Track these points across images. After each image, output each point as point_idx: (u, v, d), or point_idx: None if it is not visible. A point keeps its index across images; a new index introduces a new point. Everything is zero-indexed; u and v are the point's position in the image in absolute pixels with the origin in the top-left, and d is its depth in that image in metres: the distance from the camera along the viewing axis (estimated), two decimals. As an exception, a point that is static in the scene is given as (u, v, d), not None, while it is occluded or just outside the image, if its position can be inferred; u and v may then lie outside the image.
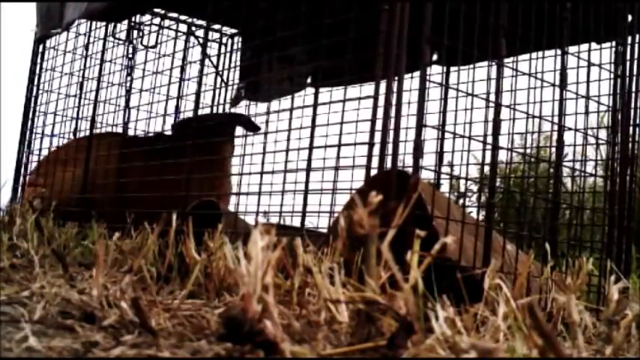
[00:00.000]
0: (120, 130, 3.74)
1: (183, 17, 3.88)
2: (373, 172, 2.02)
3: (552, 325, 1.66)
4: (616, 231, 2.32)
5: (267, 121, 3.50)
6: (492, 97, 2.07)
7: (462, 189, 4.60)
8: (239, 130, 3.57)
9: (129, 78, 3.63)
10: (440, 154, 3.26)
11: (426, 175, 3.27)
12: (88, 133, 3.67)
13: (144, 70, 3.59)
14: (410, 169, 1.92)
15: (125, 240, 2.25)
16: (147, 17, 3.71)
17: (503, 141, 2.23)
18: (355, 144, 2.51)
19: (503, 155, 2.91)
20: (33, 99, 4.01)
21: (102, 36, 3.69)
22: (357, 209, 1.02)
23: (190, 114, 3.62)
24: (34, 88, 4.02)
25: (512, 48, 2.29)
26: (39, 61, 4.02)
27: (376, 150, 1.99)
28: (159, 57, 3.58)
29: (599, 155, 3.01)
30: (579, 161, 2.72)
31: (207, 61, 3.63)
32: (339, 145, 2.41)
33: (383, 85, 1.93)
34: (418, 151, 1.90)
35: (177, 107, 3.87)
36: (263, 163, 2.87)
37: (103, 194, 3.46)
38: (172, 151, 3.12)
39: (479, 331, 1.39)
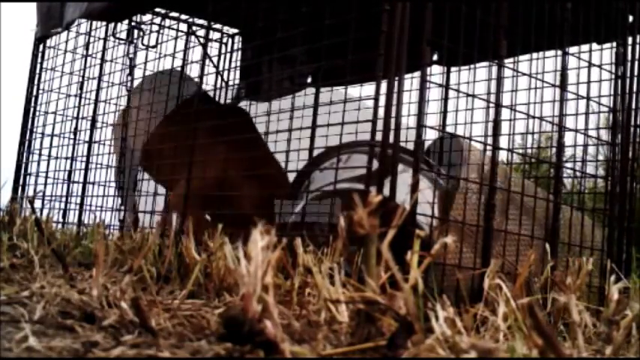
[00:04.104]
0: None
1: (183, 17, 3.88)
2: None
3: (552, 325, 1.66)
4: (616, 231, 2.32)
5: (267, 122, 3.51)
6: (492, 98, 2.07)
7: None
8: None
9: (129, 78, 3.63)
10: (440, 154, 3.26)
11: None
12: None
13: (144, 69, 3.60)
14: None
15: (125, 240, 2.26)
16: (147, 17, 3.71)
17: (503, 141, 2.23)
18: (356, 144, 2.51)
19: (503, 156, 2.91)
20: (33, 99, 4.01)
21: (102, 35, 3.69)
22: (357, 209, 1.02)
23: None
24: (34, 88, 4.02)
25: (513, 48, 2.29)
26: (39, 60, 4.01)
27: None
28: (159, 57, 3.58)
29: (600, 156, 3.01)
30: (580, 162, 2.72)
31: (207, 61, 3.63)
32: (340, 146, 2.42)
33: (383, 85, 1.93)
34: (419, 152, 1.90)
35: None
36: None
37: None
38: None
39: (479, 331, 1.39)
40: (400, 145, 1.94)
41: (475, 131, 2.57)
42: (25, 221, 2.40)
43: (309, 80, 3.95)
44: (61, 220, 3.61)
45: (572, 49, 2.54)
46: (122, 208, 3.43)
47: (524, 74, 2.51)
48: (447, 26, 1.90)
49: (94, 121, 3.67)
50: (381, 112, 1.94)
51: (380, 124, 1.94)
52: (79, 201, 3.60)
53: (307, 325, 1.26)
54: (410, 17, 1.93)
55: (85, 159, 3.65)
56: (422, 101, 1.92)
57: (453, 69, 3.53)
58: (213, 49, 4.10)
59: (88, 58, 3.70)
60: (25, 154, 3.98)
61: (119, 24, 3.64)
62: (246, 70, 3.90)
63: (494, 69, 2.08)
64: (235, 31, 4.10)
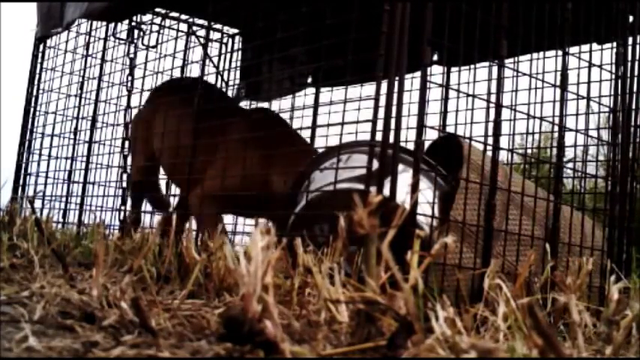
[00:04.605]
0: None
1: (184, 17, 3.89)
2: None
3: (552, 325, 1.66)
4: (617, 232, 2.32)
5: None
6: (493, 98, 2.07)
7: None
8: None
9: (129, 78, 3.63)
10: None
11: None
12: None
13: (144, 69, 3.60)
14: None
15: (125, 240, 2.25)
16: (147, 17, 3.71)
17: (504, 142, 2.24)
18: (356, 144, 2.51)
19: (503, 156, 2.92)
20: (33, 99, 4.01)
21: (102, 36, 3.70)
22: (357, 209, 1.02)
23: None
24: (34, 88, 4.02)
25: (513, 48, 2.29)
26: (39, 60, 4.01)
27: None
28: (160, 57, 3.58)
29: (600, 156, 3.01)
30: (580, 162, 2.72)
31: (207, 61, 3.63)
32: (340, 146, 2.41)
33: (384, 85, 1.93)
34: (418, 152, 1.90)
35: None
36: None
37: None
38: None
39: (479, 331, 1.39)
40: (400, 145, 1.94)
41: (475, 131, 2.57)
42: (25, 221, 2.40)
43: (309, 80, 3.95)
44: (61, 220, 3.62)
45: (573, 50, 2.54)
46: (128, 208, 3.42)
47: (524, 74, 2.51)
48: (447, 26, 1.90)
49: (94, 121, 3.67)
50: (382, 112, 1.94)
51: (380, 124, 1.94)
52: (79, 201, 3.61)
53: (307, 325, 1.26)
54: (410, 17, 1.92)
55: (85, 159, 3.65)
56: (422, 101, 1.92)
57: (453, 69, 3.53)
58: (213, 49, 4.11)
59: (88, 58, 3.71)
60: (25, 154, 3.98)
61: (119, 24, 3.64)
62: (247, 70, 3.90)
63: (495, 69, 2.08)
64: (235, 31, 4.11)
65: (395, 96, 1.91)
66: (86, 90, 3.71)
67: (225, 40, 4.16)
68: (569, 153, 2.87)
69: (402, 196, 1.93)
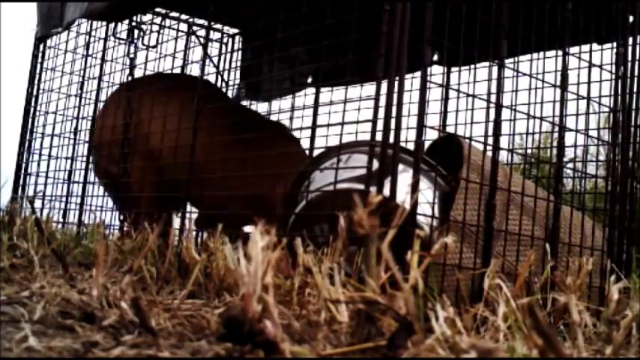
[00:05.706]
0: None
1: (184, 17, 3.88)
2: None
3: (552, 325, 1.66)
4: (617, 232, 2.31)
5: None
6: (493, 98, 2.07)
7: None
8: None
9: (130, 78, 3.63)
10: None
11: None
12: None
13: (145, 69, 3.60)
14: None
15: (125, 240, 2.25)
16: (148, 17, 3.71)
17: (504, 142, 2.23)
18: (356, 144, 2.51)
19: (504, 156, 2.92)
20: (33, 99, 4.00)
21: (103, 36, 3.69)
22: (357, 209, 1.02)
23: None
24: (34, 88, 4.01)
25: (513, 48, 2.29)
26: (39, 60, 4.01)
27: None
28: (160, 57, 3.58)
29: (600, 156, 3.02)
30: (580, 162, 2.72)
31: (207, 61, 3.63)
32: (340, 146, 2.41)
33: (384, 85, 1.93)
34: (419, 152, 1.90)
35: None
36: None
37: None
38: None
39: (479, 331, 1.39)
40: (400, 145, 1.94)
41: (475, 131, 2.57)
42: (25, 221, 2.40)
43: (309, 80, 3.95)
44: (61, 220, 3.62)
45: (573, 50, 2.53)
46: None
47: (524, 74, 2.51)
48: (447, 26, 1.90)
49: (94, 121, 3.66)
50: (382, 112, 1.94)
51: (380, 125, 1.94)
52: (79, 201, 3.60)
53: (307, 325, 1.26)
54: (410, 17, 1.93)
55: (85, 159, 3.65)
56: (422, 101, 1.92)
57: (453, 69, 3.53)
58: (213, 49, 4.10)
59: (89, 58, 3.70)
60: (25, 154, 3.97)
61: (119, 24, 3.63)
62: (247, 70, 3.90)
63: (495, 69, 2.08)
64: (236, 31, 4.11)
65: (395, 96, 1.91)
66: (86, 90, 3.71)
67: (225, 40, 4.16)
68: (569, 153, 2.87)
69: (402, 196, 1.93)
